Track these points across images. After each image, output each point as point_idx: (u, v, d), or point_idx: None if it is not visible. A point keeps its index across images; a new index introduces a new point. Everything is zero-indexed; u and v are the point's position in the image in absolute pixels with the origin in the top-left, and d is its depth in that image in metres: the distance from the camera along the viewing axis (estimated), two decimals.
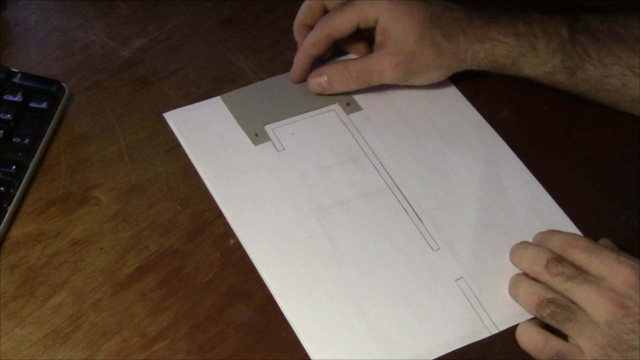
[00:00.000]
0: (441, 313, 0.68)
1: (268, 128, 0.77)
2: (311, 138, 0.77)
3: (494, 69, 0.78)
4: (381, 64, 0.76)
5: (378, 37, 0.77)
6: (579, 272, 0.65)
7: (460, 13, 0.77)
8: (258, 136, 0.77)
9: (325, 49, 0.78)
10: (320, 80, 0.78)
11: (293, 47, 0.84)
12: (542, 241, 0.69)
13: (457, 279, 0.70)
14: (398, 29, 0.75)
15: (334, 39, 0.77)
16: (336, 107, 0.79)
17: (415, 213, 0.73)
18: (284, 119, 0.78)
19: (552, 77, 0.77)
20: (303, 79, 0.79)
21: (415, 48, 0.75)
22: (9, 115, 0.72)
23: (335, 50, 0.81)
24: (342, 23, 0.76)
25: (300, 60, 0.78)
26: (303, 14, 0.79)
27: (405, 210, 0.73)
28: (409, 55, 0.76)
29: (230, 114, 0.78)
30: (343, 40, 0.79)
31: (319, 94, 0.79)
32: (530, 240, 0.71)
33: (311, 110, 0.79)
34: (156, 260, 0.69)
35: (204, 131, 0.77)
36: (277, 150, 0.76)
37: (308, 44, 0.77)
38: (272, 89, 0.80)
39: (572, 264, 0.66)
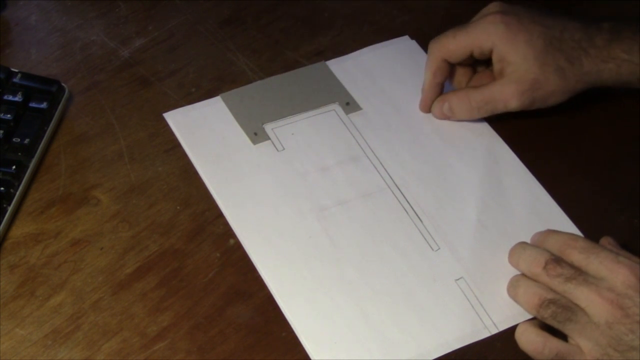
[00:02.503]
0: (441, 313, 0.68)
1: (268, 127, 0.77)
2: (311, 138, 0.77)
3: (619, 85, 0.76)
4: (504, 94, 0.75)
5: (496, 65, 0.75)
6: (578, 273, 0.65)
7: (581, 33, 0.74)
8: (257, 135, 0.77)
9: (446, 74, 0.77)
10: (442, 107, 0.78)
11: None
12: (539, 242, 0.69)
13: (457, 279, 0.70)
14: (518, 56, 0.73)
15: (451, 63, 0.76)
16: (336, 106, 0.79)
17: (415, 213, 0.73)
18: (283, 118, 0.78)
19: None
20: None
21: (539, 75, 0.74)
22: (9, 115, 0.72)
23: None
24: (454, 48, 0.75)
25: (428, 92, 0.77)
26: (432, 74, 0.77)
27: (405, 210, 0.73)
28: (533, 82, 0.74)
29: (230, 113, 0.78)
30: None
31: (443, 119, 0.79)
32: (529, 241, 0.71)
33: (311, 110, 0.79)
34: (156, 260, 0.69)
35: (204, 131, 0.77)
36: (277, 150, 0.76)
37: (430, 75, 0.76)
38: (272, 88, 0.80)
39: (571, 265, 0.66)
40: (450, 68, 0.77)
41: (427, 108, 0.79)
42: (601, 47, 0.74)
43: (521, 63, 0.74)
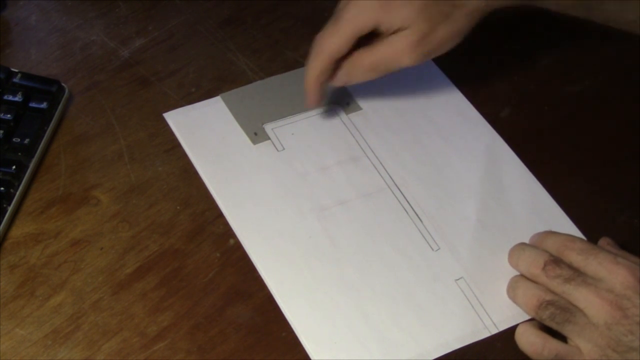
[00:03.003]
0: (441, 313, 0.68)
1: (268, 127, 0.77)
2: (311, 138, 0.77)
3: (513, 5, 0.73)
4: (396, 53, 0.71)
5: (385, 34, 0.72)
6: (577, 274, 0.65)
7: None
8: (257, 135, 0.77)
9: (331, 70, 0.73)
10: (339, 75, 0.73)
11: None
12: (538, 242, 0.69)
13: (457, 279, 0.70)
14: (401, 20, 0.70)
15: (336, 62, 0.72)
16: (336, 107, 0.79)
17: (415, 213, 0.73)
18: (283, 118, 0.78)
19: (567, 11, 0.74)
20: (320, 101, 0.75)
21: (425, 29, 0.70)
22: (9, 115, 0.72)
23: None
24: (340, 44, 0.71)
25: (312, 91, 0.73)
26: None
27: (405, 210, 0.73)
28: (422, 38, 0.70)
29: (230, 113, 0.78)
30: None
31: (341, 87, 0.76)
32: (528, 242, 0.71)
33: (311, 110, 0.79)
34: (156, 260, 0.69)
35: (204, 131, 0.77)
36: (277, 150, 0.76)
37: (314, 77, 0.72)
38: (272, 88, 0.80)
39: (570, 266, 0.66)
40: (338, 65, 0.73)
41: (315, 104, 0.75)
42: None
43: (405, 25, 0.70)
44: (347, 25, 0.70)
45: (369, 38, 0.72)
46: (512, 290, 0.68)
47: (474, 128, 0.79)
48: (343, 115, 0.79)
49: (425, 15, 0.70)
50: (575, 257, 0.66)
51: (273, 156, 0.76)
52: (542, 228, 0.71)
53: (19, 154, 0.71)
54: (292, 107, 0.79)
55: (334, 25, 0.71)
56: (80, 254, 0.69)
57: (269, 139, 0.77)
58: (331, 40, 0.71)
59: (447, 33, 0.72)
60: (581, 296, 0.64)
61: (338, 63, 0.72)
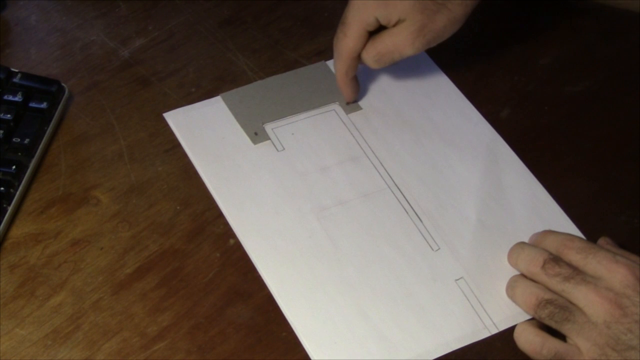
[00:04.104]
0: (441, 313, 0.68)
1: (268, 127, 0.77)
2: (311, 138, 0.77)
3: None
4: (397, 44, 0.74)
5: (387, 27, 0.75)
6: (576, 273, 0.65)
7: None
8: (257, 135, 0.77)
9: (356, 65, 0.77)
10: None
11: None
12: (537, 242, 0.69)
13: (457, 279, 0.70)
14: (399, 13, 0.73)
15: (358, 57, 0.76)
16: (336, 106, 0.79)
17: (415, 213, 0.73)
18: (283, 118, 0.78)
19: None
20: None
21: (423, 20, 0.73)
22: (9, 115, 0.72)
23: None
24: (350, 42, 0.75)
25: (345, 88, 0.78)
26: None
27: (405, 210, 0.73)
28: (421, 28, 0.73)
29: (230, 113, 0.78)
30: None
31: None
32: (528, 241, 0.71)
33: (311, 109, 0.79)
34: (156, 260, 0.69)
35: (204, 131, 0.77)
36: (277, 150, 0.76)
37: (342, 76, 0.77)
38: (272, 88, 0.80)
39: (569, 265, 0.66)
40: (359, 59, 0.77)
41: (352, 97, 0.79)
42: None
43: (404, 17, 0.73)
44: (352, 26, 0.75)
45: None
46: (511, 289, 0.68)
47: (474, 128, 0.79)
48: (343, 115, 0.79)
49: (421, 6, 0.73)
50: (575, 256, 0.66)
51: (273, 156, 0.76)
52: (542, 228, 0.71)
53: (19, 154, 0.71)
54: (292, 107, 0.79)
55: (341, 29, 0.75)
56: (80, 254, 0.69)
57: (269, 139, 0.77)
58: (343, 43, 0.75)
59: (445, 21, 0.74)
60: (580, 294, 0.64)
61: (359, 58, 0.77)
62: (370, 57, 0.75)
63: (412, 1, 0.73)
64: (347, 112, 0.79)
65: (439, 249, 0.71)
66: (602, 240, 0.70)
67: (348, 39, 0.75)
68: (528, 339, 0.65)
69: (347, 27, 0.75)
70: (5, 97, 0.73)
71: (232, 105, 0.78)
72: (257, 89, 0.80)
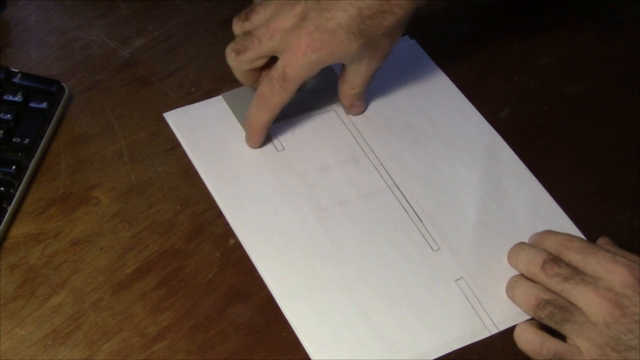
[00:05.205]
0: (441, 313, 0.68)
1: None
2: (311, 138, 0.77)
3: None
4: (360, 83, 0.75)
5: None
6: (576, 273, 0.65)
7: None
8: None
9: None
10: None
11: None
12: (537, 242, 0.69)
13: (457, 279, 0.70)
14: (349, 61, 0.73)
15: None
16: (336, 107, 0.79)
17: (415, 213, 0.73)
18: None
19: None
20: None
21: (366, 56, 0.72)
22: (9, 115, 0.72)
23: None
24: (289, 98, 0.71)
25: (260, 137, 0.75)
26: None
27: (405, 211, 0.73)
28: (370, 60, 0.72)
29: (231, 112, 0.78)
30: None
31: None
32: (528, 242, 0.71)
33: (311, 110, 0.79)
34: (156, 260, 0.69)
35: (204, 131, 0.77)
36: (277, 150, 0.76)
37: (263, 125, 0.73)
38: None
39: (569, 265, 0.66)
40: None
41: (259, 144, 0.76)
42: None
43: (349, 63, 0.72)
44: (295, 82, 0.70)
45: None
46: (510, 290, 0.68)
47: (474, 128, 0.79)
48: (343, 116, 0.79)
49: (362, 52, 0.70)
50: (574, 256, 0.66)
51: (273, 156, 0.76)
52: (542, 228, 0.71)
53: (19, 154, 0.71)
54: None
55: (282, 84, 0.70)
56: (80, 254, 0.69)
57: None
58: (280, 97, 0.71)
59: (383, 52, 0.72)
60: (580, 295, 0.64)
61: None
62: (348, 104, 0.77)
63: (355, 46, 0.69)
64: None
65: (439, 249, 0.71)
66: (601, 240, 0.70)
67: (286, 94, 0.71)
68: (528, 339, 0.65)
69: (289, 83, 0.70)
70: (5, 97, 0.73)
71: (233, 105, 0.78)
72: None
